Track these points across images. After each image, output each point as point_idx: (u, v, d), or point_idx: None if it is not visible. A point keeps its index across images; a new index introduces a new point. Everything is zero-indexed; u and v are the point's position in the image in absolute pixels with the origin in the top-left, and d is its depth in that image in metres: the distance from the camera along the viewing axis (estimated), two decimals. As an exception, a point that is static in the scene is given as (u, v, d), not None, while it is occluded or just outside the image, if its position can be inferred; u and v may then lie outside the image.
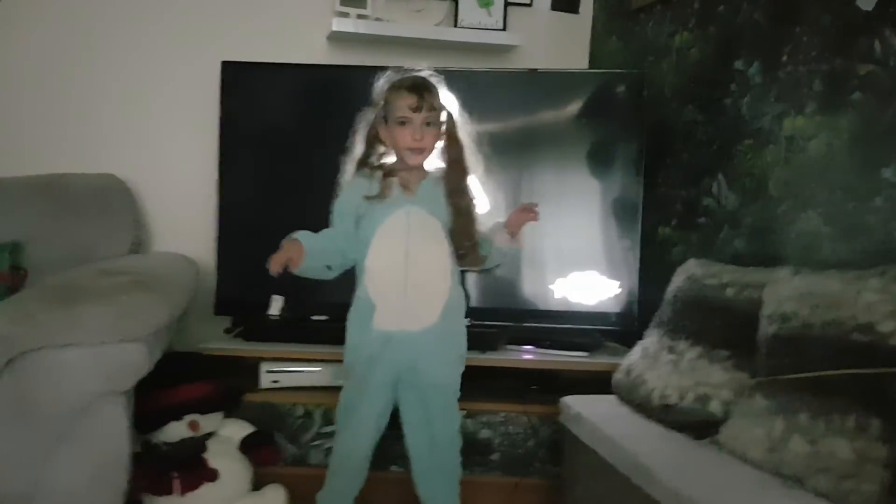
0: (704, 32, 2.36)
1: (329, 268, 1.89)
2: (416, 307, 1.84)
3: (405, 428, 1.93)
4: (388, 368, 1.86)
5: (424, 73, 1.89)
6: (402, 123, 1.82)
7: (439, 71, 1.94)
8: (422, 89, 1.82)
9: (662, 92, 2.57)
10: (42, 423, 1.81)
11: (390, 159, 1.92)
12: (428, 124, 1.82)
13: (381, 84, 1.89)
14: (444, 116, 1.87)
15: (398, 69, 1.92)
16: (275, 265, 1.79)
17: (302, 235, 1.85)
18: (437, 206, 1.87)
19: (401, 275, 1.82)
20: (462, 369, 1.95)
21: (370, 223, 1.85)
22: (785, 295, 1.67)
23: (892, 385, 1.36)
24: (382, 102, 1.88)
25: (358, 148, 1.93)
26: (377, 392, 1.88)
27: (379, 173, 1.87)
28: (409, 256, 1.82)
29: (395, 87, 1.85)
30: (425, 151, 1.85)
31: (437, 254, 1.85)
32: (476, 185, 1.92)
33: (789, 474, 1.48)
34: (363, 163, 1.91)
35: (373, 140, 1.91)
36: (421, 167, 1.89)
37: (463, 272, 1.97)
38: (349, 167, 1.94)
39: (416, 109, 1.80)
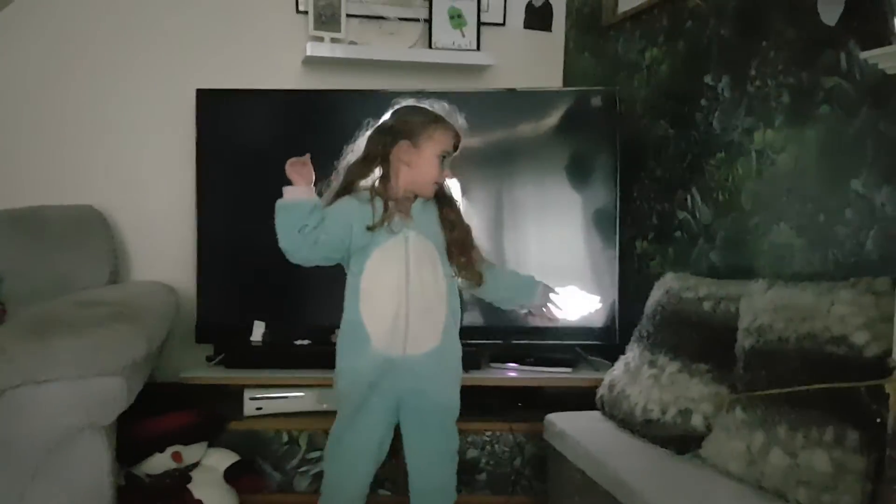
0: (674, 48, 2.39)
1: (303, 228, 1.78)
2: (418, 331, 1.82)
3: (406, 452, 1.90)
4: (390, 394, 1.84)
5: (440, 105, 1.89)
6: (443, 158, 1.84)
7: (419, 93, 1.95)
8: (459, 133, 1.87)
9: (635, 107, 2.60)
10: (20, 460, 1.79)
11: (385, 180, 1.86)
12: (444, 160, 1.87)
13: (402, 106, 1.87)
14: None
15: (419, 93, 1.94)
16: (294, 165, 1.79)
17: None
18: (431, 228, 1.86)
19: (401, 299, 1.80)
20: (459, 388, 1.94)
21: (369, 243, 1.81)
22: (760, 308, 1.68)
23: (868, 396, 1.38)
24: (411, 126, 1.84)
25: (353, 156, 1.87)
26: (378, 419, 1.86)
27: (379, 201, 1.82)
28: (410, 282, 1.80)
29: (442, 123, 1.85)
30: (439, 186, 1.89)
31: (434, 276, 1.84)
32: (460, 199, 1.94)
33: (770, 487, 1.49)
34: (357, 172, 1.86)
35: (377, 158, 1.85)
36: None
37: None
38: (341, 172, 1.88)
39: (455, 150, 1.86)
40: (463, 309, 1.93)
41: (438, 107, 1.87)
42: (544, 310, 1.94)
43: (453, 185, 1.93)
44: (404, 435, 1.90)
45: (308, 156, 1.80)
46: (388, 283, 1.81)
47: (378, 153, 1.84)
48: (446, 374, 1.89)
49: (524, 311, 1.99)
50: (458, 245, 1.86)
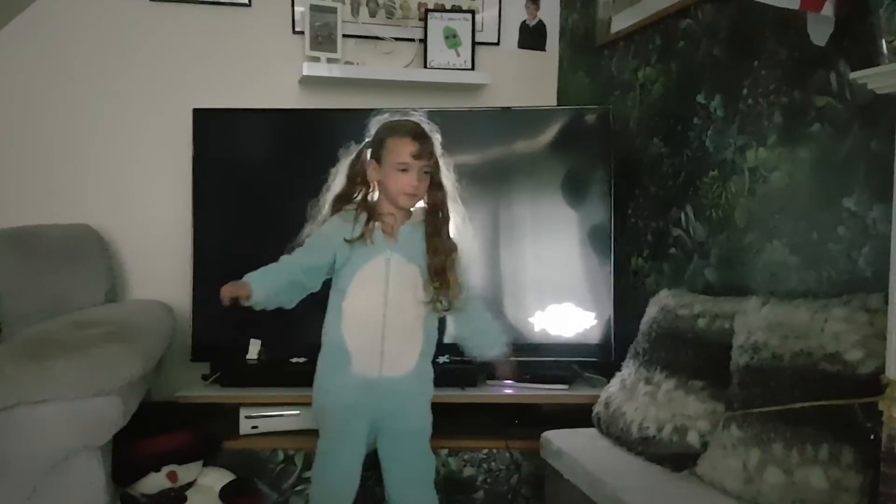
0: (666, 67, 2.42)
1: (290, 300, 1.87)
2: (395, 353, 1.84)
3: (385, 474, 1.91)
4: (368, 415, 1.86)
5: (417, 118, 1.90)
6: (403, 170, 1.83)
7: (414, 112, 1.96)
8: (423, 137, 1.84)
9: (629, 126, 2.62)
10: (16, 480, 1.78)
11: (371, 197, 1.91)
12: (425, 173, 1.85)
13: (374, 123, 1.90)
14: (433, 166, 1.88)
15: (392, 111, 1.93)
16: (224, 294, 1.80)
17: (253, 278, 1.83)
18: (416, 251, 1.87)
19: (379, 321, 1.82)
20: (430, 412, 1.96)
21: (351, 264, 1.85)
22: (755, 325, 1.69)
23: (863, 414, 1.39)
24: (374, 142, 1.88)
25: (338, 182, 1.92)
26: (357, 440, 1.87)
27: (363, 216, 1.86)
28: (388, 303, 1.83)
29: (396, 132, 1.86)
30: (417, 197, 1.87)
31: (414, 301, 1.86)
32: (456, 232, 1.92)
33: (767, 505, 1.50)
34: (344, 199, 1.90)
35: (356, 178, 1.90)
36: (405, 211, 1.90)
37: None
38: (327, 201, 1.92)
39: (418, 157, 1.83)
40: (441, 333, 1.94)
41: (416, 117, 1.89)
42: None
43: (458, 214, 1.93)
44: (381, 458, 1.91)
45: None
46: (367, 304, 1.83)
47: (357, 175, 1.89)
48: (420, 397, 1.92)
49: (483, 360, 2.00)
50: (434, 270, 1.85)
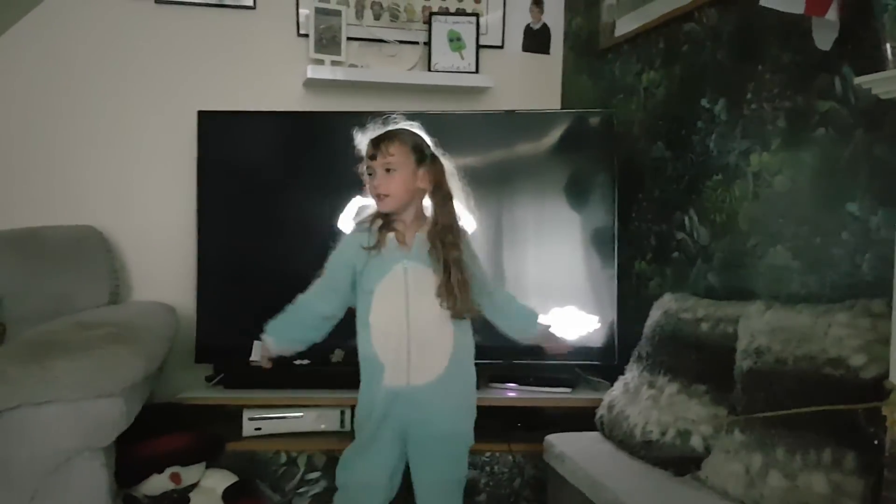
0: (670, 71, 2.42)
1: (318, 336, 1.93)
2: (421, 361, 1.83)
3: (414, 481, 1.90)
4: (398, 425, 1.85)
5: (400, 122, 1.90)
6: (371, 175, 1.86)
7: (419, 115, 1.97)
8: (380, 139, 1.85)
9: (632, 129, 2.62)
10: (19, 482, 1.79)
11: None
12: (388, 170, 1.83)
13: (358, 140, 1.91)
14: (408, 163, 1.85)
15: (375, 120, 1.92)
16: (263, 363, 1.95)
17: (273, 334, 1.91)
18: (429, 257, 1.86)
19: (403, 331, 1.82)
20: (474, 416, 1.94)
21: (369, 279, 1.85)
22: (757, 329, 1.69)
23: (866, 419, 1.38)
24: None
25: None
26: (388, 452, 1.86)
27: (377, 224, 1.88)
28: (409, 312, 1.82)
29: (363, 134, 1.89)
30: (389, 197, 1.84)
31: (436, 306, 1.84)
32: (466, 234, 1.91)
33: (769, 509, 1.49)
34: (361, 214, 1.94)
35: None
36: (417, 218, 1.89)
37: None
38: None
39: (373, 157, 1.84)
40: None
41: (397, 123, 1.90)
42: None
43: (467, 223, 1.93)
44: (411, 465, 1.90)
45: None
46: (391, 316, 1.83)
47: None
48: (452, 402, 1.88)
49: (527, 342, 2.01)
50: (443, 287, 1.84)
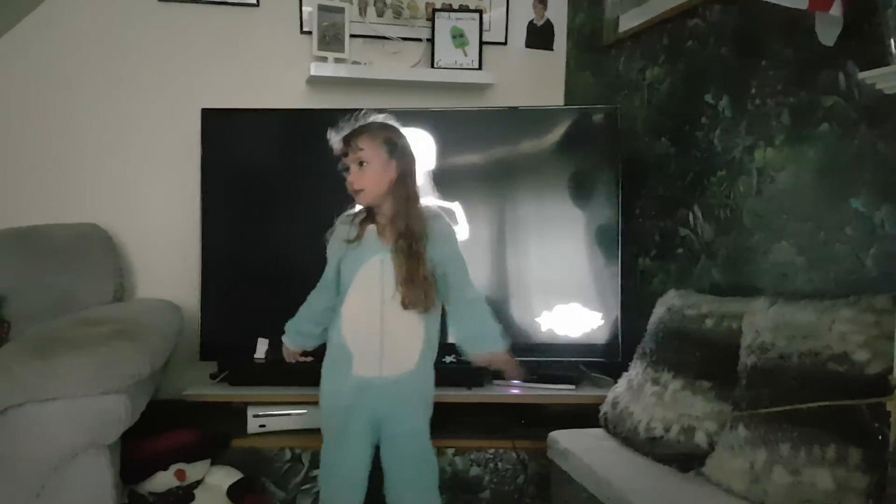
0: (674, 67, 2.41)
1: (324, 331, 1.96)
2: (393, 353, 1.85)
3: (385, 475, 1.91)
4: (367, 415, 1.86)
5: (370, 116, 1.91)
6: (346, 170, 1.88)
7: (422, 112, 1.97)
8: (351, 135, 1.86)
9: (636, 125, 2.61)
10: (24, 478, 1.79)
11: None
12: (361, 164, 1.84)
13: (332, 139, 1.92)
14: (379, 156, 1.84)
15: (346, 117, 1.92)
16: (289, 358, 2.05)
17: (287, 327, 2.01)
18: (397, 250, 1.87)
19: (376, 322, 1.84)
20: (430, 414, 1.95)
21: (348, 269, 1.88)
22: (762, 325, 1.69)
23: (870, 414, 1.38)
24: None
25: None
26: (359, 441, 1.87)
27: (360, 217, 1.91)
28: (384, 303, 1.84)
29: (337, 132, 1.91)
30: (363, 192, 1.85)
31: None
32: (431, 228, 1.89)
33: (773, 505, 1.49)
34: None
35: None
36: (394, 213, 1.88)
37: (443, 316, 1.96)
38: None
39: (345, 154, 1.87)
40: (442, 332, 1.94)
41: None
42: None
43: (454, 209, 1.94)
44: (382, 459, 1.91)
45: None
46: (365, 306, 1.85)
47: None
48: (420, 398, 1.91)
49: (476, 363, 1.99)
50: (402, 276, 1.83)
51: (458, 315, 1.93)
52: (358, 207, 1.94)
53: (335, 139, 1.89)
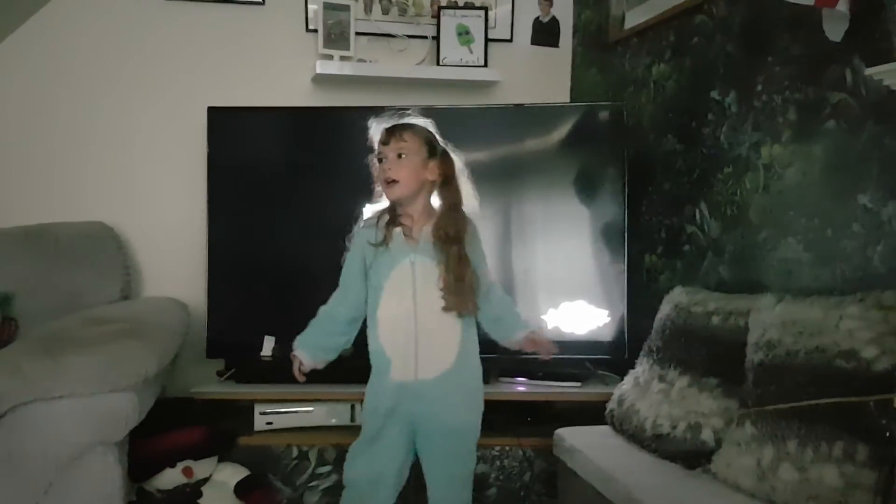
0: (680, 64, 2.41)
1: (347, 341, 1.92)
2: (428, 355, 1.82)
3: (427, 478, 1.90)
4: (405, 419, 1.85)
5: (411, 117, 1.89)
6: (380, 161, 1.85)
7: (428, 109, 1.96)
8: (396, 127, 1.85)
9: (642, 122, 2.61)
10: (33, 476, 1.80)
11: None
12: (399, 156, 1.82)
13: (373, 129, 1.90)
14: (419, 152, 1.83)
15: (391, 112, 1.92)
16: (297, 376, 1.91)
17: (301, 342, 1.90)
18: (438, 252, 1.85)
19: (411, 325, 1.81)
20: (481, 410, 1.93)
21: (378, 274, 1.84)
22: (769, 322, 1.69)
23: (877, 411, 1.38)
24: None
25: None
26: (395, 446, 1.86)
27: (384, 219, 1.87)
28: (417, 306, 1.81)
29: (377, 129, 1.88)
30: (398, 184, 1.82)
31: (442, 301, 1.83)
32: (474, 231, 1.89)
33: (780, 502, 1.49)
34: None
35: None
36: (425, 213, 1.86)
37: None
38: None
39: (386, 143, 1.83)
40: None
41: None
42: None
43: (471, 206, 1.91)
44: (421, 459, 1.90)
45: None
46: (398, 310, 1.82)
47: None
48: (460, 396, 1.87)
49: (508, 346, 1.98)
50: (446, 282, 1.82)
51: (486, 306, 1.91)
52: (378, 209, 1.90)
53: (376, 128, 1.87)
